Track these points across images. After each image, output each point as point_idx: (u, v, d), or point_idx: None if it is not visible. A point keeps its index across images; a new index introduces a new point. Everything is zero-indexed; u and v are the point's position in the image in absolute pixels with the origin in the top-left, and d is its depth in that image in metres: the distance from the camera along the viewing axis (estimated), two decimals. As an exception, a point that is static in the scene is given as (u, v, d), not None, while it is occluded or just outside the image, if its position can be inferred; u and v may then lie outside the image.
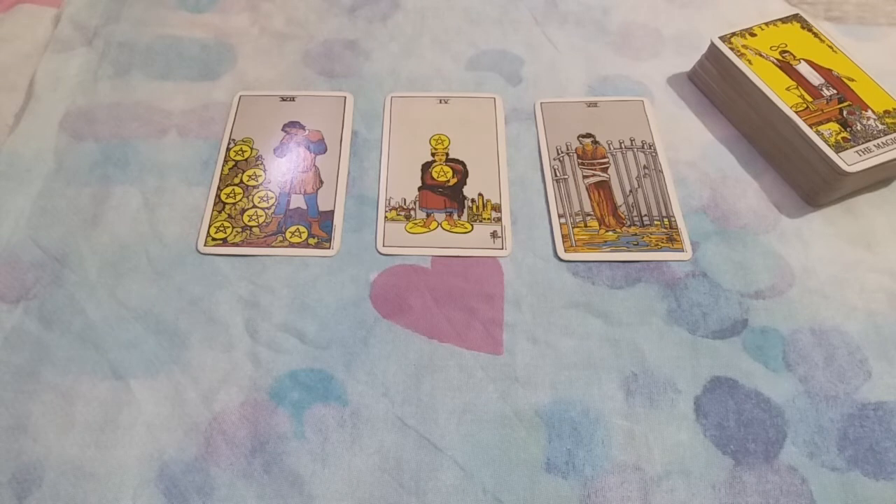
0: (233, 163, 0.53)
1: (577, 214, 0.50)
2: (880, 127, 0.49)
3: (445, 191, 0.52)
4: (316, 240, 0.49)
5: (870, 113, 0.50)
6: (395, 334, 0.44)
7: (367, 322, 0.45)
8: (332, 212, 0.50)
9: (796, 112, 0.50)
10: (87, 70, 0.58)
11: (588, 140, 0.54)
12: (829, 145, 0.48)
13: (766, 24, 0.57)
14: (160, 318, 0.45)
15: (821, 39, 0.56)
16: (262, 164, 0.53)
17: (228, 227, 0.49)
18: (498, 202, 0.51)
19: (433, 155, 0.54)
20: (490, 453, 0.40)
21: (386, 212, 0.50)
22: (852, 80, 0.53)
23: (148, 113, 0.55)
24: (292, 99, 0.57)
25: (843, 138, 0.49)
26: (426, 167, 0.53)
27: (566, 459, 0.40)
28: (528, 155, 0.54)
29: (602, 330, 0.45)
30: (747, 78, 0.53)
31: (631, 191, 0.51)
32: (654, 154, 0.53)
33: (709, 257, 0.48)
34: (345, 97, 0.57)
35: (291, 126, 0.55)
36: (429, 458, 0.40)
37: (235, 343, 0.44)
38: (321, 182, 0.52)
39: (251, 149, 0.53)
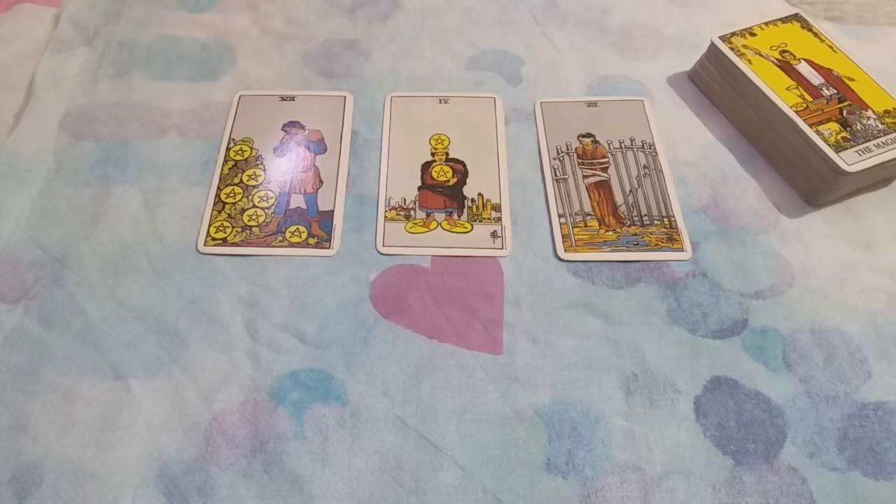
0: (233, 163, 0.53)
1: (577, 214, 0.50)
2: (880, 127, 0.49)
3: (445, 191, 0.52)
4: (316, 240, 0.49)
5: (870, 113, 0.50)
6: (395, 334, 0.44)
7: (367, 322, 0.45)
8: (332, 212, 0.50)
9: (796, 112, 0.50)
10: (87, 70, 0.58)
11: (588, 140, 0.54)
12: (829, 145, 0.48)
13: (766, 23, 0.57)
14: (160, 318, 0.45)
15: (821, 39, 0.56)
16: (261, 163, 0.53)
17: (228, 226, 0.49)
18: (498, 202, 0.51)
19: (433, 155, 0.54)
20: (490, 453, 0.40)
21: (386, 212, 0.50)
22: (852, 79, 0.53)
23: (148, 113, 0.55)
24: (292, 99, 0.57)
25: (843, 138, 0.49)
26: (426, 167, 0.53)
27: (566, 459, 0.40)
28: (528, 155, 0.54)
29: (602, 330, 0.45)
30: (747, 78, 0.53)
31: (631, 191, 0.51)
32: (654, 154, 0.53)
33: (709, 257, 0.48)
34: (345, 97, 0.57)
35: (291, 126, 0.55)
36: (429, 458, 0.40)
37: (235, 343, 0.44)
38: (321, 182, 0.52)
39: (251, 149, 0.53)
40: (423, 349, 0.44)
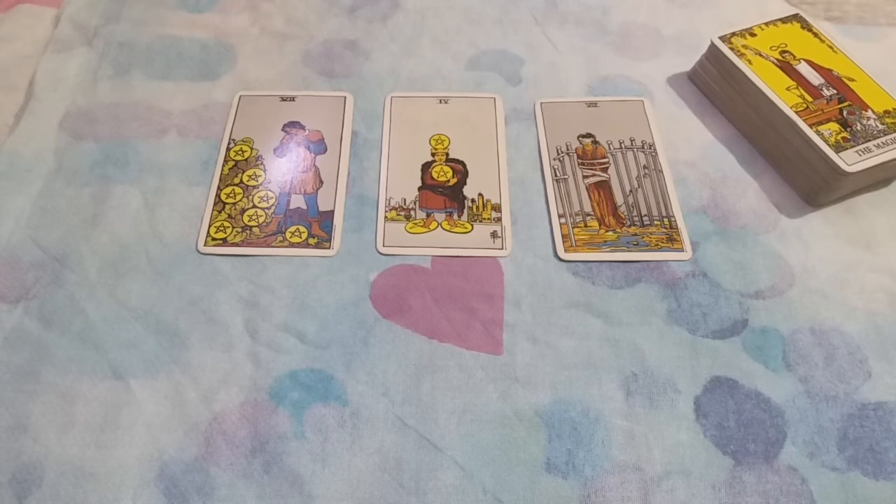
0: (233, 163, 0.53)
1: (577, 214, 0.50)
2: (880, 127, 0.49)
3: (445, 191, 0.52)
4: (316, 240, 0.49)
5: (870, 113, 0.50)
6: (395, 334, 0.44)
7: (367, 322, 0.45)
8: (332, 212, 0.50)
9: (796, 112, 0.50)
10: (87, 70, 0.58)
11: (588, 140, 0.54)
12: (829, 145, 0.48)
13: (766, 24, 0.57)
14: (160, 318, 0.45)
15: (821, 39, 0.56)
16: (262, 164, 0.53)
17: (228, 227, 0.49)
18: (498, 202, 0.51)
19: (433, 155, 0.54)
20: (490, 453, 0.40)
21: (386, 212, 0.50)
22: (852, 80, 0.53)
23: (148, 113, 0.55)
24: (292, 99, 0.57)
25: (843, 138, 0.49)
26: (426, 167, 0.53)
27: (566, 459, 0.40)
28: (528, 155, 0.54)
29: (602, 330, 0.45)
30: (747, 78, 0.53)
31: (631, 191, 0.51)
32: (654, 154, 0.53)
33: (709, 257, 0.48)
34: (345, 97, 0.57)
35: (291, 126, 0.55)
36: (429, 458, 0.40)
37: (235, 343, 0.44)
38: (321, 182, 0.52)
39: (251, 149, 0.53)
40: (423, 349, 0.44)
